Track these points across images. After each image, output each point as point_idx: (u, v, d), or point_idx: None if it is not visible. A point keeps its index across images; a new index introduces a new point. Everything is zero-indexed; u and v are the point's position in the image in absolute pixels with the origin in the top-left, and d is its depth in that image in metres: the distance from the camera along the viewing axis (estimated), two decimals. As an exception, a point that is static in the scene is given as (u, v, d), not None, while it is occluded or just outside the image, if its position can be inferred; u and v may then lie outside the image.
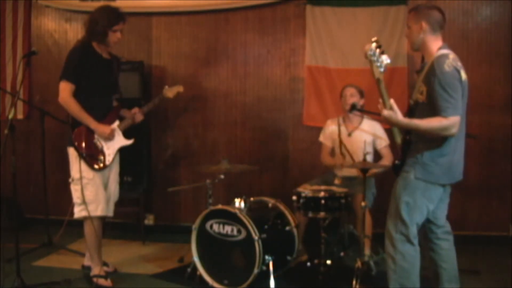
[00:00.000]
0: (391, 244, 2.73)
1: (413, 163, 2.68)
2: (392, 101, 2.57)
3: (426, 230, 2.83)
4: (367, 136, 4.01)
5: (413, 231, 2.70)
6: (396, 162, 2.82)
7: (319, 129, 4.37)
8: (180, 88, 3.83)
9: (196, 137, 5.02)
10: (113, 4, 4.68)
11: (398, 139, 2.85)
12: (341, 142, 3.85)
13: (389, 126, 2.88)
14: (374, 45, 2.59)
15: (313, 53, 4.73)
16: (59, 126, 4.19)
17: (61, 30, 5.20)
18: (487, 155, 4.49)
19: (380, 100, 2.64)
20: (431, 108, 2.55)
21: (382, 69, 2.60)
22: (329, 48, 4.71)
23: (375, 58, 2.58)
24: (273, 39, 4.87)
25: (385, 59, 2.60)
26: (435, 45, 2.68)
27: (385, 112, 2.56)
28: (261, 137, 4.92)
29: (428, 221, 2.79)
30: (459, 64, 2.59)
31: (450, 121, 2.48)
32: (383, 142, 4.04)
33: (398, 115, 2.55)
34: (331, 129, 4.19)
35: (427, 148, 2.65)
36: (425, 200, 2.68)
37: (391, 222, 2.75)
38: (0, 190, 4.61)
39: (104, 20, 3.38)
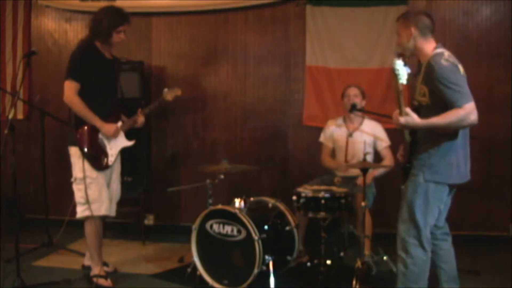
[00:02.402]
0: (404, 248, 2.73)
1: (421, 166, 2.68)
2: (408, 109, 2.56)
3: None
4: (367, 136, 4.01)
5: (427, 234, 2.70)
6: (407, 165, 2.79)
7: (319, 129, 4.36)
8: (178, 92, 3.81)
9: (196, 137, 5.02)
10: (114, 4, 4.69)
11: (408, 137, 2.82)
12: (347, 150, 3.85)
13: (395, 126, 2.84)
14: (401, 60, 2.51)
15: (313, 53, 4.73)
16: (59, 126, 4.19)
17: (61, 30, 5.20)
18: (487, 155, 4.49)
19: (397, 110, 2.61)
20: (436, 108, 2.54)
21: (405, 82, 2.54)
22: (329, 48, 4.71)
23: (401, 72, 2.52)
24: (273, 39, 4.87)
25: (407, 70, 2.52)
26: (429, 47, 2.69)
27: (402, 119, 2.55)
28: (261, 137, 4.92)
29: None
30: (455, 60, 2.61)
31: (466, 110, 2.47)
32: (383, 143, 4.04)
33: (414, 119, 2.54)
34: (332, 129, 4.19)
35: (432, 149, 2.64)
36: (436, 201, 2.69)
37: (403, 226, 2.74)
38: (0, 190, 4.61)
39: (108, 20, 3.38)
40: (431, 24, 2.71)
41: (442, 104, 2.52)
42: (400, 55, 2.58)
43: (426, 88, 2.62)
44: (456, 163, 2.67)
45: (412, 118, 2.55)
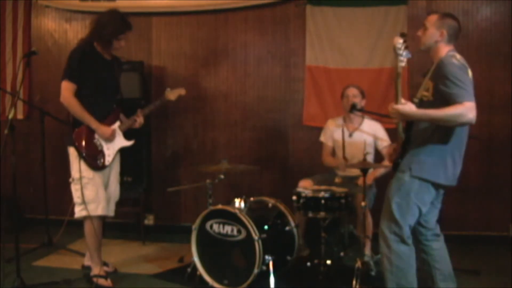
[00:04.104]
0: (386, 245, 2.74)
1: (409, 163, 2.70)
2: (403, 99, 2.60)
3: (416, 232, 2.83)
4: (367, 136, 4.01)
5: (407, 231, 2.71)
6: (398, 160, 2.81)
7: (319, 129, 4.36)
8: (182, 91, 3.81)
9: (196, 137, 5.02)
10: (113, 4, 4.69)
11: (402, 134, 2.83)
12: (344, 146, 3.85)
13: (395, 125, 2.85)
14: (402, 40, 2.56)
15: (313, 53, 4.73)
16: (59, 126, 4.19)
17: (61, 30, 5.19)
18: (487, 155, 4.49)
19: (393, 103, 2.64)
20: (438, 105, 2.55)
21: (403, 64, 2.59)
22: (329, 48, 4.71)
23: (400, 52, 2.57)
24: (273, 39, 4.87)
25: (406, 54, 2.59)
26: (445, 50, 2.72)
27: (399, 106, 2.57)
28: (261, 137, 4.92)
29: (418, 224, 2.80)
30: (466, 63, 2.65)
31: (466, 107, 2.47)
32: (384, 142, 4.04)
33: (411, 106, 2.58)
34: (332, 129, 4.19)
35: (423, 146, 2.67)
36: (417, 202, 2.70)
37: (384, 222, 2.76)
38: (0, 190, 4.61)
39: (112, 27, 3.38)
40: (459, 33, 2.76)
41: (444, 102, 2.53)
42: (403, 35, 2.58)
43: (432, 83, 2.64)
44: (444, 164, 2.68)
45: (408, 105, 2.57)
